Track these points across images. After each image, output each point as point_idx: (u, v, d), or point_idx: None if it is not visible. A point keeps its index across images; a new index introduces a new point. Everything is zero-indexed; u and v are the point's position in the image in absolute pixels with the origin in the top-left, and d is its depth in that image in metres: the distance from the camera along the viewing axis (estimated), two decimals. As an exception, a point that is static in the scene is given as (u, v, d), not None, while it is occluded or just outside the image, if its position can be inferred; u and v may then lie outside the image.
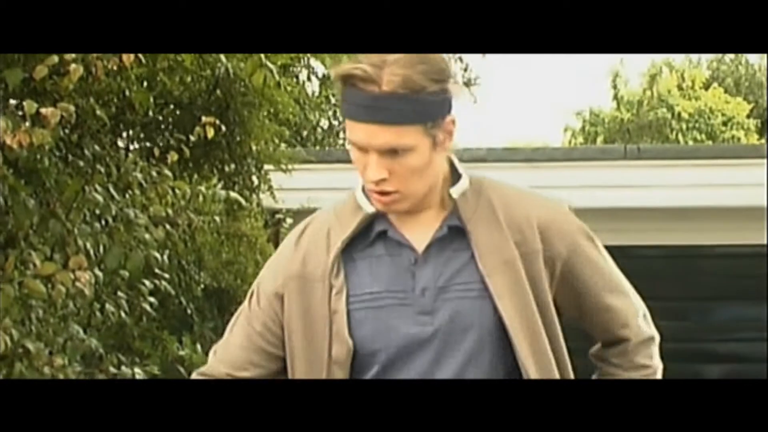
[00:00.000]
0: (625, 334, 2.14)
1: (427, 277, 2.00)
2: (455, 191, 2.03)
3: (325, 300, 2.00)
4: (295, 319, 2.03)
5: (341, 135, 10.40)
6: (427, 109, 1.93)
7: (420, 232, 2.03)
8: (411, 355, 1.98)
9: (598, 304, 2.12)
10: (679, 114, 20.15)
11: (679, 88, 21.16)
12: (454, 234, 2.02)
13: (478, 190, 2.05)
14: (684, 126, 20.00)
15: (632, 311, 2.17)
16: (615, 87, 22.00)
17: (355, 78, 1.91)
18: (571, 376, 2.07)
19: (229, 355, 2.09)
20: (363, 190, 2.05)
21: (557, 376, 2.02)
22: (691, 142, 19.03)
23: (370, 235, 2.03)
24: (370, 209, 2.03)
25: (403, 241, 2.02)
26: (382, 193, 1.97)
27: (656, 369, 2.19)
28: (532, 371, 1.98)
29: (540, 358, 2.00)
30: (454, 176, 2.05)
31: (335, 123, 10.33)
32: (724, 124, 19.97)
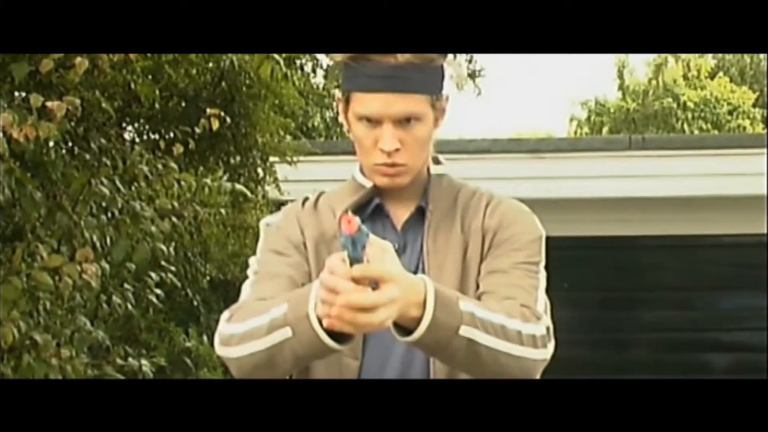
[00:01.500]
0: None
1: (405, 259, 2.05)
2: (435, 169, 2.15)
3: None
4: (317, 271, 2.04)
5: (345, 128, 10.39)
6: (434, 80, 2.05)
7: (400, 213, 2.13)
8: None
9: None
10: (685, 103, 20.14)
11: (685, 77, 21.15)
12: (422, 214, 2.12)
13: (455, 185, 2.17)
14: (690, 115, 20.00)
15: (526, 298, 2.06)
16: (620, 77, 21.99)
17: None
18: None
19: (269, 290, 2.07)
20: (360, 171, 2.15)
21: None
22: (696, 132, 19.02)
23: (367, 210, 2.12)
24: (369, 184, 2.12)
25: (391, 222, 2.12)
26: (393, 165, 2.05)
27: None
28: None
29: None
30: (435, 163, 2.18)
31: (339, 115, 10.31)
32: (730, 113, 19.96)
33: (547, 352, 1.98)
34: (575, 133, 21.61)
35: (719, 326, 7.28)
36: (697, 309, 7.41)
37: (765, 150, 6.60)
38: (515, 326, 1.93)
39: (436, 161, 2.19)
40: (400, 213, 2.13)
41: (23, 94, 3.66)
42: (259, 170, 5.44)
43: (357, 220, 1.73)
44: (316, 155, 5.98)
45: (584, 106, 21.95)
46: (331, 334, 1.83)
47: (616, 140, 8.50)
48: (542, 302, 2.06)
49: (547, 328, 2.00)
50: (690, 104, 20.06)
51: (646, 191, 6.98)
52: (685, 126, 19.74)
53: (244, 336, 1.98)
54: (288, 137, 5.81)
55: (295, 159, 5.55)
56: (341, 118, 2.15)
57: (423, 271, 2.05)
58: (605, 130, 21.03)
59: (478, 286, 2.06)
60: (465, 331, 1.85)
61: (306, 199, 2.21)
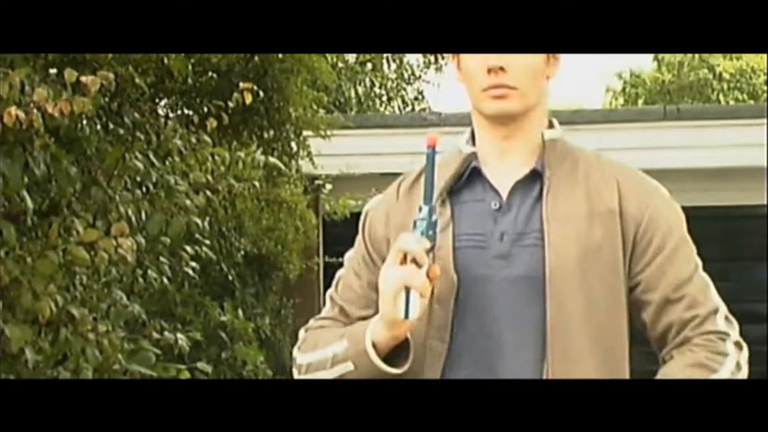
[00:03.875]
0: (692, 325, 2.00)
1: (507, 222, 2.01)
2: (548, 134, 2.07)
3: None
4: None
5: (377, 101, 10.38)
6: None
7: (506, 177, 2.05)
8: (481, 298, 1.98)
9: (662, 286, 2.01)
10: (721, 74, 19.95)
11: (721, 47, 20.91)
12: (537, 179, 2.04)
13: (570, 149, 2.09)
14: (725, 86, 19.80)
15: (705, 300, 2.03)
16: (655, 48, 21.78)
17: None
18: (624, 368, 2.01)
19: (354, 294, 2.11)
20: (470, 134, 2.10)
21: (578, 349, 1.95)
22: (732, 102, 18.85)
23: (464, 175, 2.07)
24: (469, 150, 2.07)
25: (491, 184, 2.05)
26: (500, 86, 1.99)
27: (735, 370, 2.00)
28: (552, 328, 1.95)
29: (568, 324, 1.96)
30: (550, 127, 2.10)
31: (371, 89, 10.32)
32: (767, 83, 19.75)
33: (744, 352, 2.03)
34: (611, 104, 21.47)
35: (755, 297, 7.24)
36: (732, 280, 7.36)
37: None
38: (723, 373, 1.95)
39: (550, 124, 2.11)
40: (507, 176, 2.05)
41: (57, 70, 3.67)
42: (293, 144, 5.45)
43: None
44: (349, 129, 5.99)
45: (619, 77, 21.80)
46: (390, 361, 1.90)
47: (650, 111, 8.45)
48: (712, 288, 2.05)
49: (719, 313, 2.02)
50: (726, 75, 19.87)
51: (681, 162, 6.94)
52: (721, 97, 19.55)
53: (311, 366, 2.06)
54: (321, 111, 5.81)
55: (328, 133, 5.55)
56: (454, 71, 2.10)
57: (542, 239, 1.98)
58: (641, 101, 20.88)
59: (632, 289, 2.01)
60: None
61: (416, 173, 2.14)
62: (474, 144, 2.09)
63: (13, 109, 3.22)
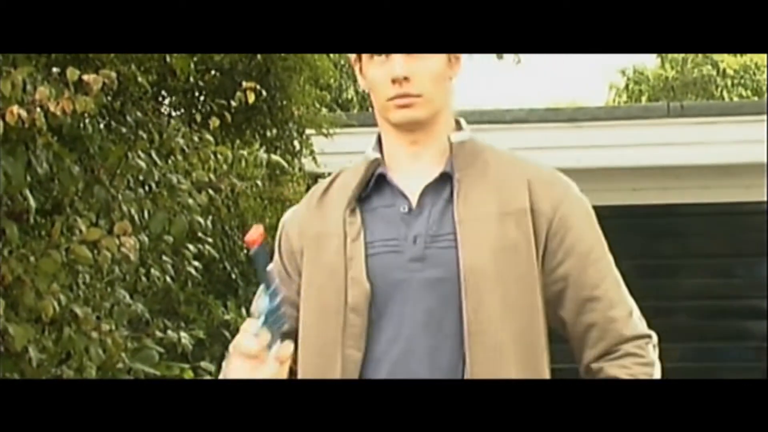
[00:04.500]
0: (614, 328, 2.01)
1: (420, 225, 2.01)
2: (455, 137, 2.07)
3: (340, 249, 2.02)
4: (311, 272, 2.06)
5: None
6: None
7: (416, 180, 2.05)
8: (398, 302, 1.98)
9: (580, 285, 2.02)
10: (724, 70, 19.92)
11: (724, 44, 20.87)
12: (447, 181, 2.04)
13: (480, 149, 2.09)
14: (729, 82, 19.77)
15: (621, 299, 2.05)
16: (658, 44, 21.74)
17: None
18: (544, 366, 2.01)
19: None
20: (377, 139, 2.11)
21: (496, 349, 1.95)
22: (736, 99, 18.81)
23: (371, 182, 2.07)
24: (373, 155, 2.08)
25: (399, 189, 2.05)
26: (405, 96, 2.00)
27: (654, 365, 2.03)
28: (470, 329, 1.94)
29: (486, 320, 1.95)
30: (458, 129, 2.10)
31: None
32: (770, 80, 19.72)
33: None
34: (614, 101, 21.44)
35: (759, 293, 7.23)
36: (736, 276, 7.36)
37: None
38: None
39: (458, 125, 2.12)
40: (417, 179, 2.05)
41: (60, 69, 3.67)
42: (296, 143, 5.44)
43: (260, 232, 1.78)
44: (352, 127, 5.97)
45: (623, 74, 21.77)
46: None
47: (654, 108, 8.43)
48: (624, 286, 2.06)
49: (635, 314, 2.04)
50: (729, 71, 19.84)
51: (684, 159, 6.93)
52: (725, 93, 19.53)
53: None
54: (324, 109, 5.81)
55: (331, 131, 5.54)
56: (359, 79, 2.12)
57: (455, 240, 1.98)
58: (644, 98, 20.85)
59: (548, 286, 2.01)
60: None
61: (327, 182, 2.16)
62: (381, 149, 2.10)
63: (15, 108, 3.22)
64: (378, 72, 2.02)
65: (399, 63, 1.98)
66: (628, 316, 2.03)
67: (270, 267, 1.93)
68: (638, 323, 2.04)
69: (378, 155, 2.08)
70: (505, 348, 1.95)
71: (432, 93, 2.02)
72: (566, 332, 2.05)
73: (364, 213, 2.05)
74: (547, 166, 2.12)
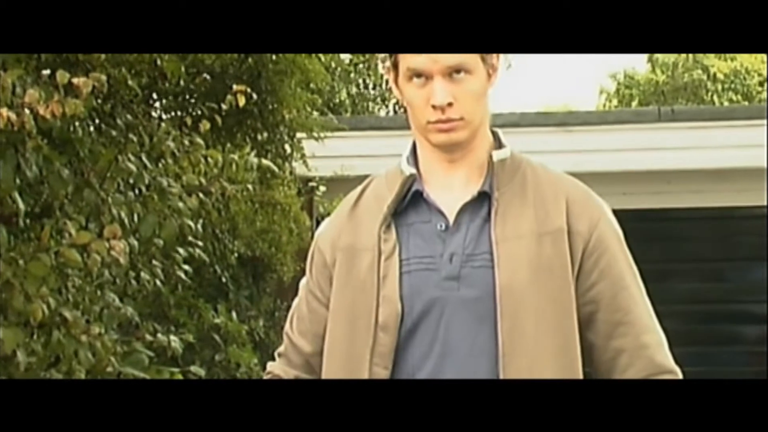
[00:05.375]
0: (645, 355, 2.01)
1: (456, 243, 1.99)
2: (496, 155, 2.04)
3: (374, 266, 2.00)
4: (342, 284, 2.04)
5: (372, 103, 10.37)
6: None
7: (453, 197, 2.03)
8: (432, 320, 1.97)
9: (612, 308, 2.01)
10: (715, 75, 19.95)
11: (715, 49, 20.91)
12: (485, 200, 2.02)
13: (517, 165, 2.07)
14: (720, 87, 19.81)
15: (653, 327, 2.05)
16: (649, 49, 21.78)
17: None
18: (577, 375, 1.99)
19: (304, 325, 2.13)
20: (412, 150, 2.08)
21: (534, 367, 1.94)
22: (726, 103, 18.86)
23: (407, 198, 2.04)
24: (409, 171, 2.05)
25: (436, 206, 2.03)
26: (447, 121, 1.97)
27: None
28: (504, 350, 1.93)
29: (521, 341, 1.93)
30: (497, 145, 2.08)
31: (365, 91, 10.31)
32: (761, 84, 19.77)
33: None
34: (605, 105, 21.46)
35: (751, 298, 7.23)
36: (728, 280, 7.36)
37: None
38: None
39: (496, 138, 2.09)
40: (454, 196, 2.03)
41: (49, 71, 3.66)
42: (287, 146, 5.43)
43: None
44: (343, 131, 5.98)
45: (613, 78, 21.80)
46: None
47: (645, 112, 8.45)
48: (654, 316, 2.07)
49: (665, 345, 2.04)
50: (720, 76, 19.88)
51: (675, 163, 6.94)
52: (715, 98, 19.57)
53: None
54: (315, 113, 5.80)
55: (322, 135, 5.54)
56: (393, 88, 2.09)
57: (491, 260, 1.96)
58: (635, 102, 20.88)
59: (581, 307, 2.00)
60: None
61: (358, 192, 2.14)
62: (417, 161, 2.08)
63: (4, 111, 3.21)
64: (417, 94, 1.99)
65: (441, 91, 1.96)
66: (660, 344, 2.02)
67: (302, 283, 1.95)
68: (669, 354, 2.03)
69: (414, 170, 2.06)
70: (540, 369, 1.93)
71: (472, 114, 2.00)
72: (593, 356, 2.03)
73: (399, 228, 2.03)
74: (580, 184, 2.10)
